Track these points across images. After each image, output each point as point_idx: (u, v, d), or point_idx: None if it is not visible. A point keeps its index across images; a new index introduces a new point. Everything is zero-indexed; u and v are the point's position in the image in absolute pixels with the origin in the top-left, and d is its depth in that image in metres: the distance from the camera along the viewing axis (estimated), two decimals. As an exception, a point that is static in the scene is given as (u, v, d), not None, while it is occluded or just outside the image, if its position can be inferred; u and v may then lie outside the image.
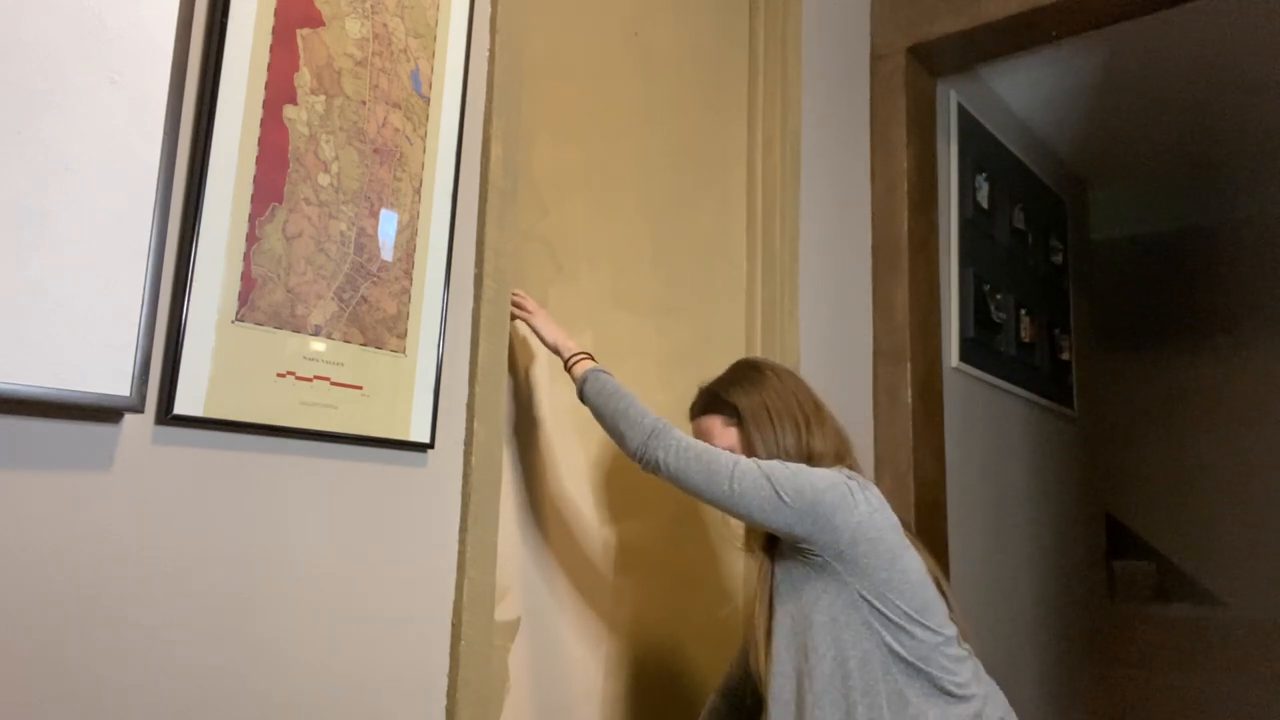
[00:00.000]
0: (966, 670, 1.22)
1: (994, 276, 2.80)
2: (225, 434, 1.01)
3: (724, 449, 1.30)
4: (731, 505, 1.21)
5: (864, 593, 1.19)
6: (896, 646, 1.18)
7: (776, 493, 1.19)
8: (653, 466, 1.25)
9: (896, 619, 1.18)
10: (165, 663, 0.94)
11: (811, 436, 1.32)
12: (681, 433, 1.26)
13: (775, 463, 1.24)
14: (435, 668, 1.21)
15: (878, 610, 1.18)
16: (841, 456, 1.33)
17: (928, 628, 1.19)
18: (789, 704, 1.22)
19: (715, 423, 1.37)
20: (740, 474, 1.20)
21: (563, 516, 1.51)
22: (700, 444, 1.25)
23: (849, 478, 1.24)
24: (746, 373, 1.40)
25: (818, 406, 1.36)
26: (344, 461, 1.12)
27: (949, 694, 1.19)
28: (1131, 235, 3.95)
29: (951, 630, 1.23)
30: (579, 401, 1.36)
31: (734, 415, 1.35)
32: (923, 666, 1.18)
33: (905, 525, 1.29)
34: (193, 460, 0.98)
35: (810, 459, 1.29)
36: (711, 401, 1.38)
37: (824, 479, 1.21)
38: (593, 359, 1.37)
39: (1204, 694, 3.35)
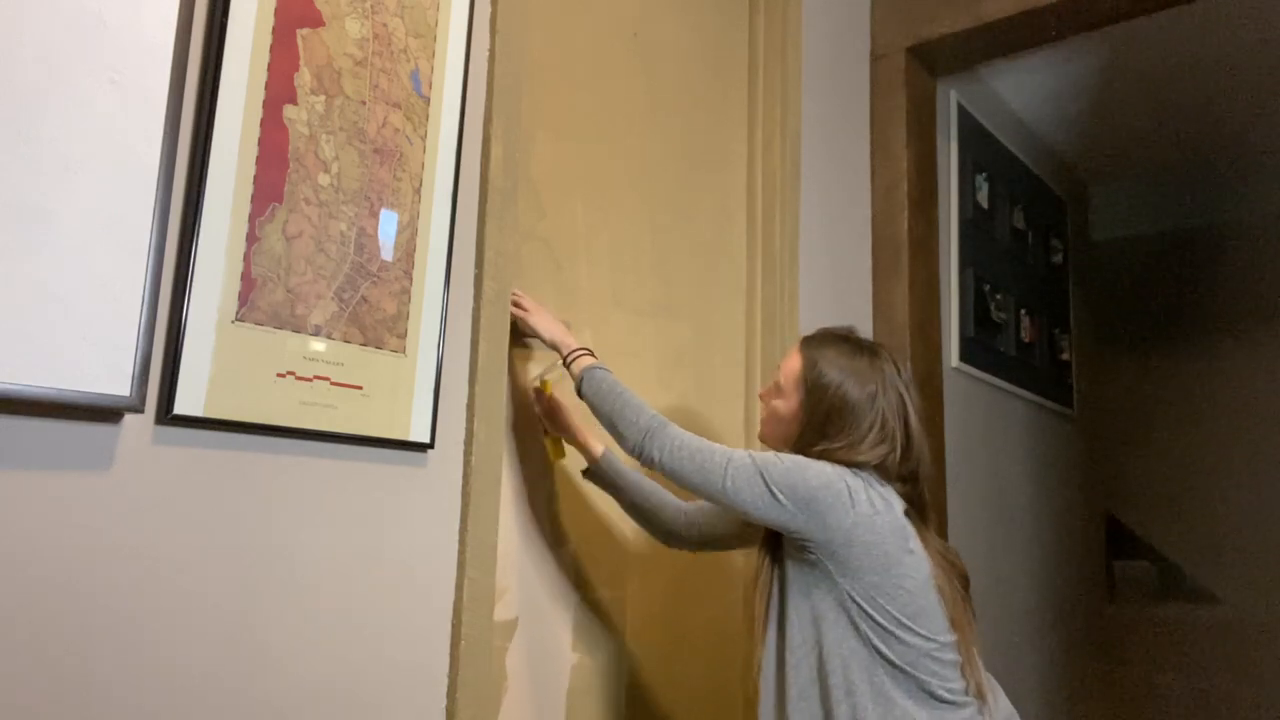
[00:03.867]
0: (961, 677, 1.21)
1: (994, 276, 2.80)
2: (225, 434, 1.01)
3: (785, 381, 1.30)
4: (726, 501, 1.21)
5: (853, 594, 1.18)
6: (884, 649, 1.17)
7: (769, 489, 1.19)
8: (649, 464, 1.26)
9: (885, 623, 1.17)
10: (165, 662, 0.94)
11: (859, 450, 1.24)
12: (678, 429, 1.26)
13: (770, 455, 1.23)
14: (435, 668, 1.21)
15: (865, 613, 1.17)
16: (882, 473, 1.25)
17: (919, 634, 1.18)
18: (771, 693, 1.23)
19: (795, 361, 1.31)
20: (735, 470, 1.20)
21: (562, 516, 1.51)
22: (695, 441, 1.25)
23: (854, 476, 1.22)
24: (862, 355, 1.30)
25: (895, 444, 1.26)
26: (344, 461, 1.12)
27: (939, 699, 1.18)
28: (1131, 235, 3.95)
29: (948, 638, 1.21)
30: (578, 398, 1.35)
31: (812, 386, 1.27)
32: (910, 670, 1.17)
33: (941, 543, 1.27)
34: (193, 460, 0.98)
35: (834, 459, 1.23)
36: (814, 349, 1.31)
37: (819, 476, 1.20)
38: (592, 355, 1.37)
39: (1204, 694, 3.34)
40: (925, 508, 1.30)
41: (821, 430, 1.26)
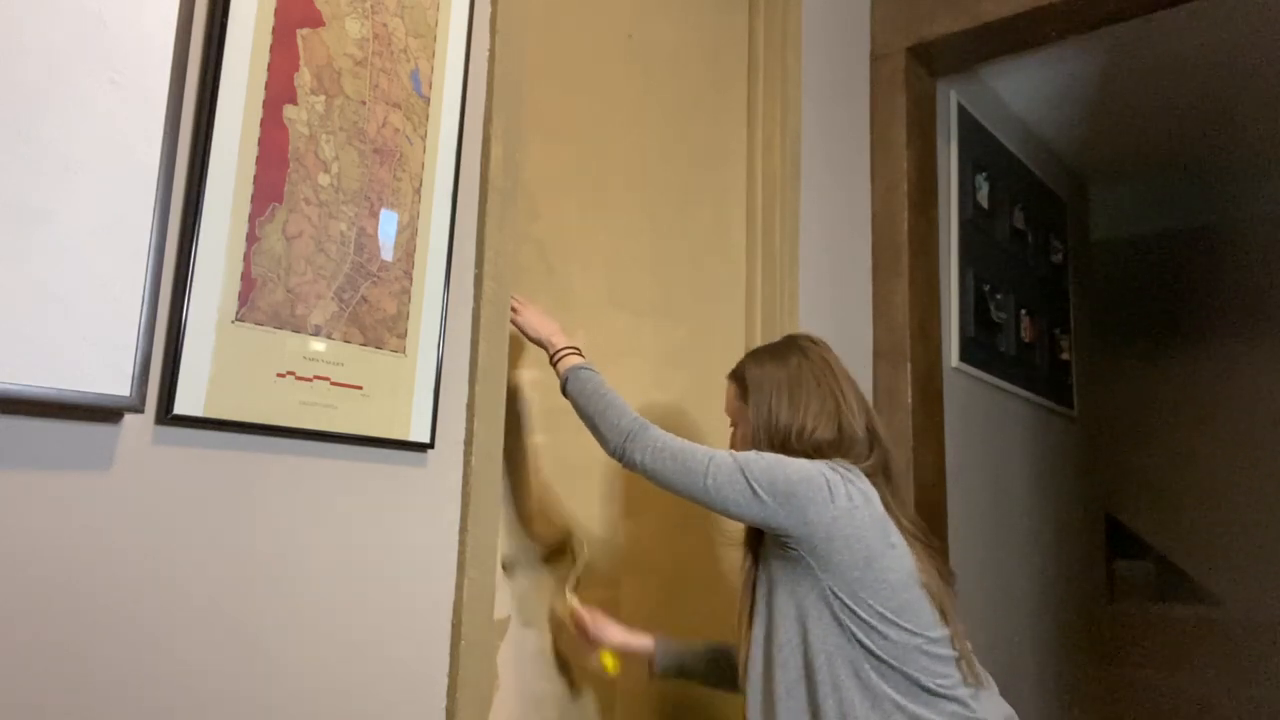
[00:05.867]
0: (952, 671, 1.21)
1: (994, 276, 2.80)
2: (225, 434, 1.01)
3: (731, 413, 1.39)
4: (709, 501, 1.22)
5: (835, 589, 1.18)
6: (869, 644, 1.17)
7: (750, 486, 1.19)
8: (630, 467, 1.27)
9: (869, 618, 1.17)
10: (164, 663, 0.95)
11: (815, 424, 1.28)
12: (659, 431, 1.26)
13: (751, 454, 1.24)
14: (435, 668, 1.21)
15: (849, 608, 1.18)
16: (850, 452, 1.28)
17: (904, 628, 1.18)
18: (759, 692, 1.23)
19: (730, 390, 1.40)
20: (715, 469, 1.21)
21: (557, 515, 1.51)
22: (677, 442, 1.25)
23: (832, 470, 1.22)
24: (778, 347, 1.41)
25: (837, 400, 1.31)
26: (344, 461, 1.12)
27: (929, 692, 1.17)
28: (1131, 235, 3.95)
29: (937, 632, 1.21)
30: (562, 398, 1.35)
31: (749, 392, 1.35)
32: (898, 665, 1.17)
33: (914, 523, 1.28)
34: (193, 460, 0.98)
35: (803, 443, 1.27)
36: (737, 368, 1.41)
37: (800, 471, 1.20)
38: (580, 354, 1.36)
39: (1203, 694, 3.34)
40: (897, 477, 1.33)
41: (777, 423, 1.30)
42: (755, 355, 1.41)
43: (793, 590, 1.21)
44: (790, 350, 1.37)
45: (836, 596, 1.18)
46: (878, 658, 1.17)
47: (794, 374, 1.33)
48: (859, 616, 1.17)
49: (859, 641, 1.17)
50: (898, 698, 1.16)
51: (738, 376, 1.39)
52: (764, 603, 1.25)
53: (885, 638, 1.17)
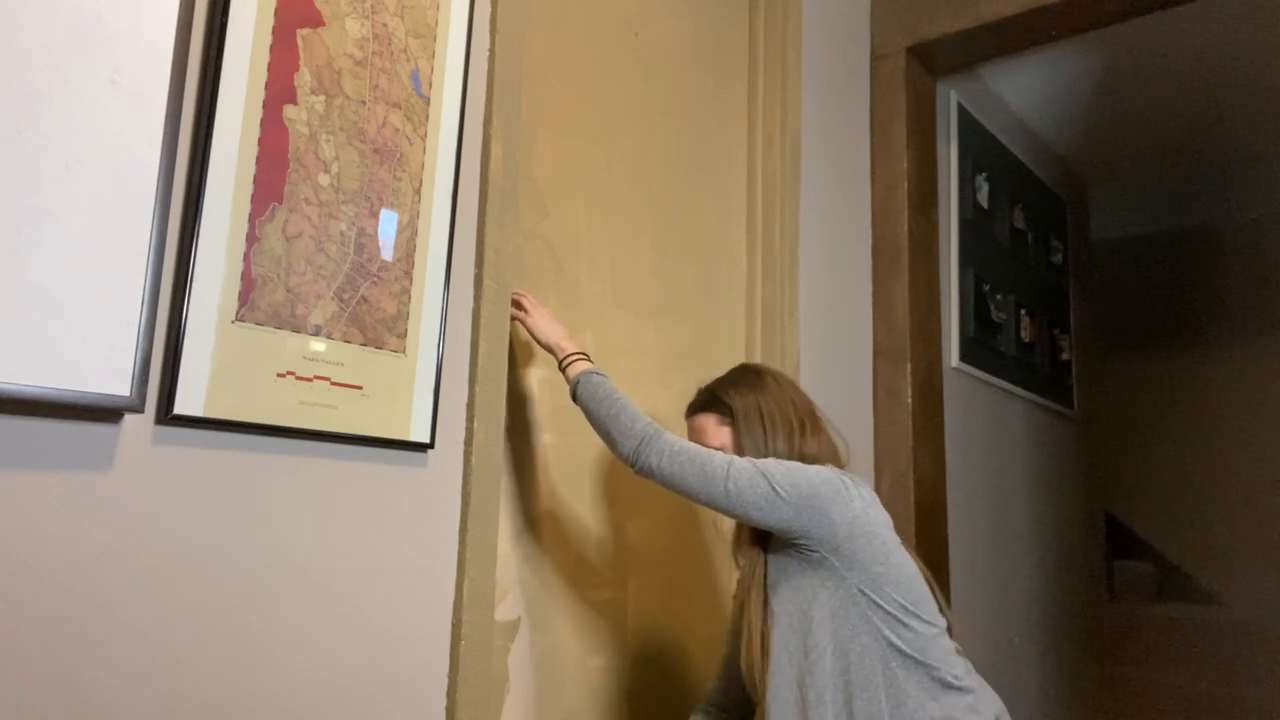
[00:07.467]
0: (961, 663, 1.24)
1: (994, 276, 2.80)
2: (225, 434, 1.01)
3: (715, 448, 1.33)
4: (728, 505, 1.21)
5: (862, 586, 1.20)
6: (895, 639, 1.19)
7: (773, 488, 1.19)
8: (646, 472, 1.25)
9: (894, 611, 1.20)
10: (164, 663, 0.95)
11: (804, 441, 1.33)
12: (673, 436, 1.26)
13: (770, 460, 1.25)
14: (435, 668, 1.21)
15: (875, 604, 1.19)
16: (834, 464, 1.33)
17: (923, 620, 1.21)
18: (790, 701, 1.22)
19: (709, 421, 1.37)
20: (735, 473, 1.21)
21: (563, 517, 1.51)
22: (693, 446, 1.25)
23: (841, 474, 1.25)
24: (745, 375, 1.41)
25: (814, 414, 1.37)
26: (344, 461, 1.12)
27: (947, 685, 1.20)
28: (1131, 235, 3.95)
29: (942, 623, 1.25)
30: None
31: (728, 415, 1.35)
32: (920, 659, 1.19)
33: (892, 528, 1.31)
34: (193, 460, 0.98)
35: (809, 455, 1.31)
36: (708, 400, 1.39)
37: (819, 474, 1.23)
38: (589, 359, 1.37)
39: (1203, 694, 3.34)
40: None
41: (777, 446, 1.31)
42: (730, 387, 1.37)
43: (816, 593, 1.21)
44: (759, 375, 1.39)
45: (863, 593, 1.20)
46: (903, 653, 1.19)
47: (777, 396, 1.35)
48: (885, 610, 1.19)
49: (885, 637, 1.19)
50: (922, 697, 1.18)
51: (719, 407, 1.36)
52: (784, 610, 1.24)
53: (909, 629, 1.20)
